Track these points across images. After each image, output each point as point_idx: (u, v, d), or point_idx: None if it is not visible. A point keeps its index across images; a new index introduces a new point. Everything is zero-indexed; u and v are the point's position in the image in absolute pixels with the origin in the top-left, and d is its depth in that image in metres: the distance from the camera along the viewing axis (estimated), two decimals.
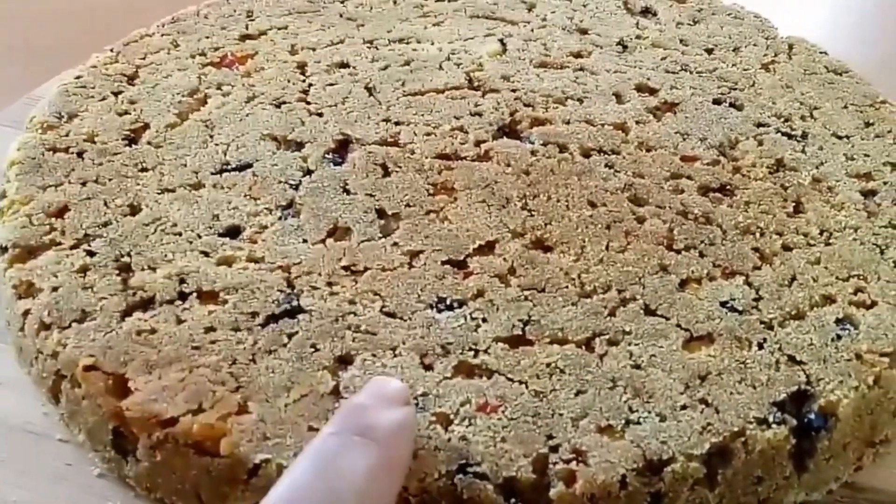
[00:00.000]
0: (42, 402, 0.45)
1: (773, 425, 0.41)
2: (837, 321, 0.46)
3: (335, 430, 0.36)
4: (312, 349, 0.43)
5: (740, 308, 0.46)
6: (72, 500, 0.41)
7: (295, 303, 0.46)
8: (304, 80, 0.61)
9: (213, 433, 0.40)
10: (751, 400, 0.42)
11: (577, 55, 0.64)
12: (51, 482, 0.42)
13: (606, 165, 0.55)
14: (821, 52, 0.67)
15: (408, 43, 0.65)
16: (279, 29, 0.66)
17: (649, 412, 0.41)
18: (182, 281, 0.47)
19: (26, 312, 0.45)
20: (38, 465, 0.43)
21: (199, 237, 0.49)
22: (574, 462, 0.39)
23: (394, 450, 0.36)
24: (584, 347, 0.44)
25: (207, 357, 0.43)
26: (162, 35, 0.65)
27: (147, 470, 0.41)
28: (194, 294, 0.46)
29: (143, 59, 0.62)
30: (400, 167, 0.54)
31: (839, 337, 0.45)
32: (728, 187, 0.54)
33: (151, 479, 0.41)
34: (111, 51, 0.63)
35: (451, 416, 0.41)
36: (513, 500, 0.39)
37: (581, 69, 0.63)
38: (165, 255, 0.48)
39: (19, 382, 0.46)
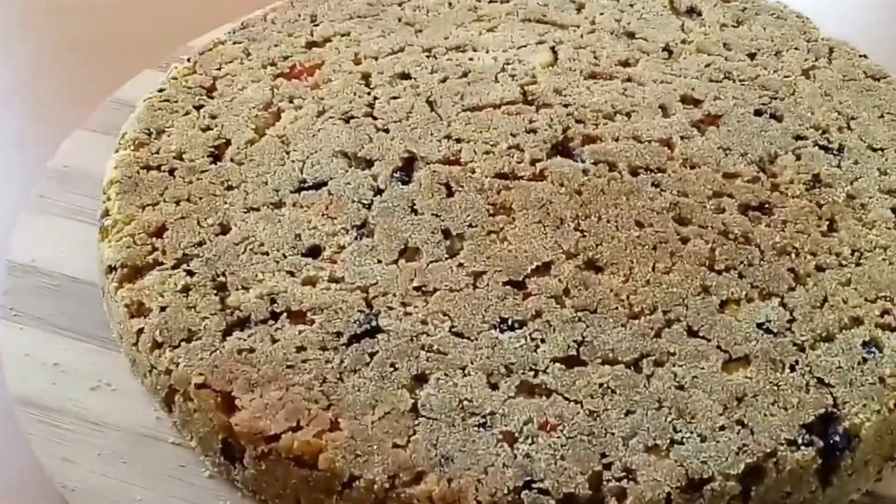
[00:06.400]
0: (154, 407, 0.52)
1: (802, 447, 0.46)
2: (864, 344, 0.51)
3: None
4: (392, 368, 0.49)
5: (775, 330, 0.51)
6: (190, 500, 0.48)
7: (374, 323, 0.51)
8: (369, 93, 0.65)
9: (310, 449, 0.46)
10: (783, 422, 0.47)
11: (625, 63, 0.68)
12: (169, 482, 0.49)
13: (653, 184, 0.59)
14: (860, 56, 0.70)
15: (464, 51, 0.68)
16: (342, 35, 0.70)
17: (691, 432, 0.46)
18: (273, 301, 0.52)
19: (139, 331, 0.51)
20: (155, 466, 0.49)
21: (285, 257, 0.54)
22: (625, 480, 0.45)
23: None
24: (632, 368, 0.49)
25: (301, 376, 0.49)
26: (234, 43, 0.69)
27: (253, 476, 0.48)
28: (284, 314, 0.51)
29: (219, 69, 0.67)
30: (462, 187, 0.58)
31: (865, 360, 0.50)
32: (766, 205, 0.58)
33: (257, 484, 0.48)
34: (188, 60, 0.67)
35: (516, 435, 0.46)
36: None
37: (629, 79, 0.66)
38: (256, 275, 0.53)
39: (132, 389, 0.52)
